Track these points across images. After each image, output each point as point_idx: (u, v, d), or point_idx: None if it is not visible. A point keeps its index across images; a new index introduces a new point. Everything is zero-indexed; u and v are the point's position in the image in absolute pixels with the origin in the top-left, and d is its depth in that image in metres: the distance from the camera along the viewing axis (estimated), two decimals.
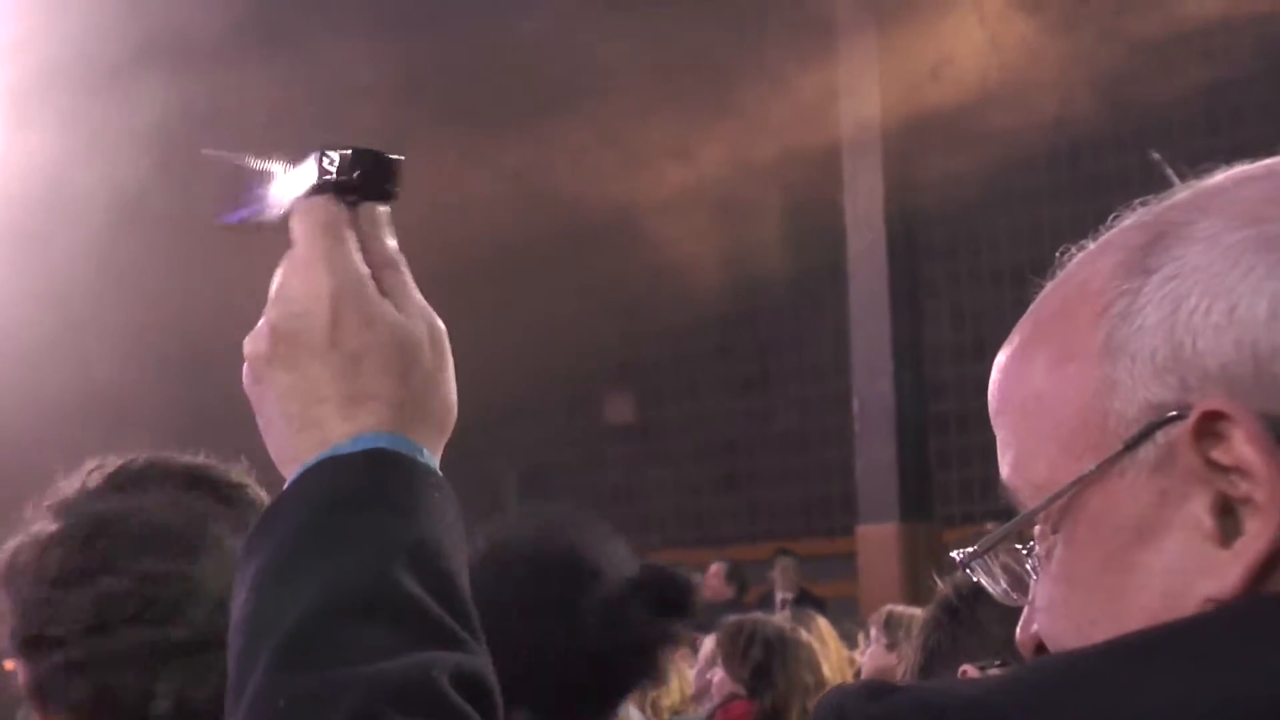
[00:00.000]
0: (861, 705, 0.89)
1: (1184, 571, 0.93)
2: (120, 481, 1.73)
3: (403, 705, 1.04)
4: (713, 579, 11.26)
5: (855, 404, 13.72)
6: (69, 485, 1.75)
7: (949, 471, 13.20)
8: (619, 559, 1.94)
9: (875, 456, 13.50)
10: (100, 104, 11.69)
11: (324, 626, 1.08)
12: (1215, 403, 0.93)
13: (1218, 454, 0.93)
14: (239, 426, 1.38)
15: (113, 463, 1.77)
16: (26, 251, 12.32)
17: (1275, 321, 0.93)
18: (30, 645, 1.68)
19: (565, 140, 12.72)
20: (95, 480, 1.74)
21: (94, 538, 1.67)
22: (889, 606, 6.45)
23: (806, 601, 10.95)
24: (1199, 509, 0.93)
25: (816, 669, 5.13)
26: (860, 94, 13.59)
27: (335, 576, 1.10)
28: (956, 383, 13.09)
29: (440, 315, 1.22)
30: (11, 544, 1.74)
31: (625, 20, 12.72)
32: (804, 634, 5.26)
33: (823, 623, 5.71)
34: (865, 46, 13.53)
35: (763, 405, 14.44)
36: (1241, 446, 0.92)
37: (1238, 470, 0.92)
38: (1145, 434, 0.95)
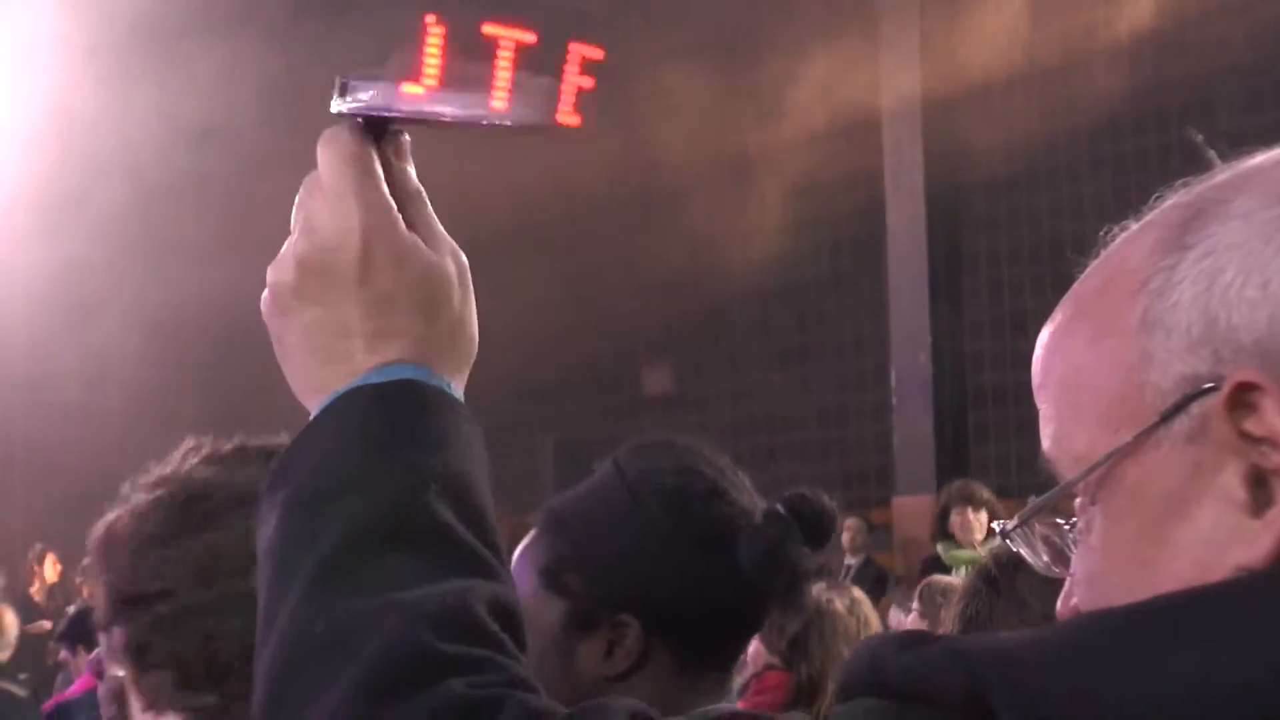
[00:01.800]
0: (894, 654, 0.91)
1: (1216, 541, 0.94)
2: (212, 458, 1.76)
3: (441, 630, 1.04)
4: None
5: (893, 377, 13.70)
6: (164, 465, 1.78)
7: (986, 445, 13.16)
8: (748, 490, 1.91)
9: (912, 429, 13.49)
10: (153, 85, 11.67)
11: (360, 552, 1.08)
12: (1248, 374, 0.94)
13: (1250, 425, 0.94)
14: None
15: (205, 444, 1.79)
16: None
17: None
18: (131, 603, 1.69)
19: (605, 114, 12.69)
20: (191, 459, 1.77)
21: (195, 499, 1.70)
22: (930, 578, 6.45)
23: (871, 567, 10.95)
24: (1231, 480, 0.94)
25: (853, 640, 5.11)
26: (902, 66, 13.53)
27: (370, 504, 1.09)
28: (994, 356, 13.04)
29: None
30: (109, 516, 1.77)
31: None
32: (839, 605, 5.25)
33: (858, 593, 5.69)
34: (908, 18, 13.47)
35: (801, 378, 14.41)
36: (1274, 418, 0.93)
37: (1270, 441, 0.93)
38: (1180, 406, 0.96)
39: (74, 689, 6.03)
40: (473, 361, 1.19)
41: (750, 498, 1.90)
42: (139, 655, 1.69)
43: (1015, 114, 12.07)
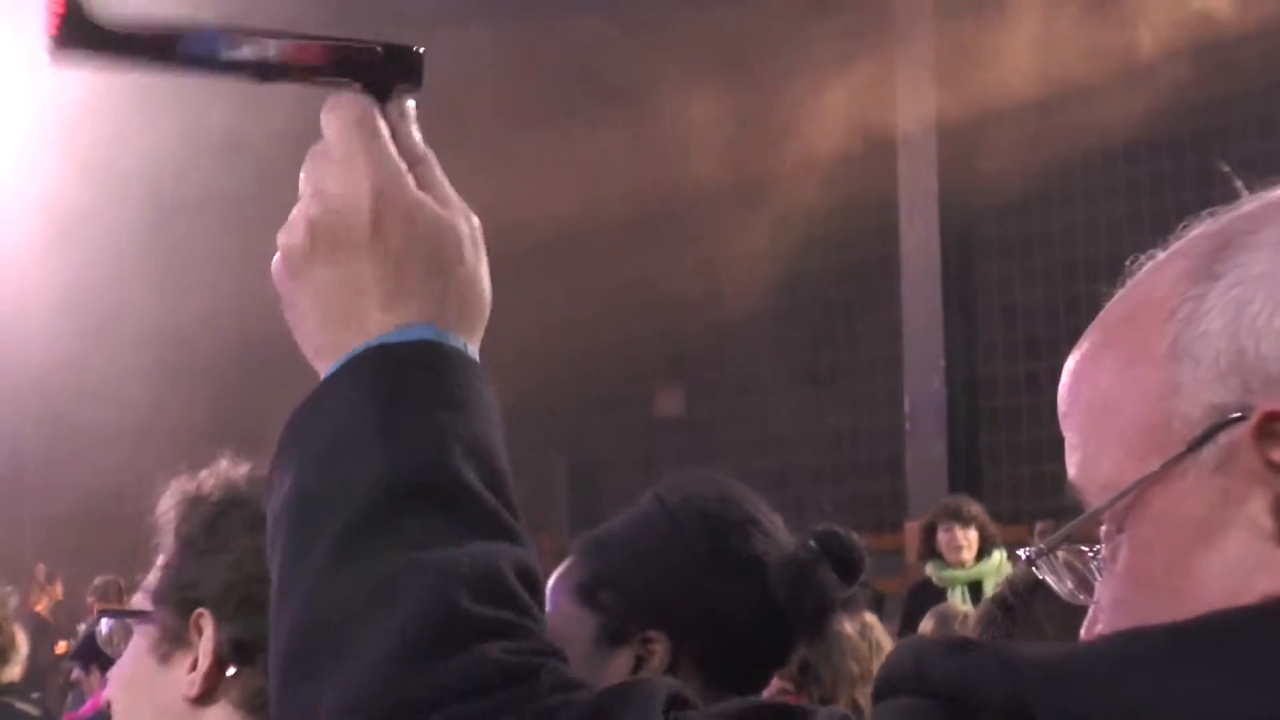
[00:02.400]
0: (940, 657, 0.91)
1: (1243, 570, 0.95)
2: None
3: (474, 593, 1.03)
4: None
5: (906, 401, 13.71)
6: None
7: (999, 468, 13.17)
8: (781, 527, 1.96)
9: (926, 453, 13.50)
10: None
11: (386, 511, 1.06)
12: (1276, 404, 0.95)
13: (1278, 455, 0.94)
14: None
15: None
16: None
17: None
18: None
19: (619, 135, 12.74)
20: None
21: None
22: (942, 605, 6.42)
23: (867, 592, 10.83)
24: (1259, 509, 0.95)
25: (861, 658, 5.11)
26: (916, 90, 13.58)
27: (394, 464, 1.08)
28: (1008, 380, 13.05)
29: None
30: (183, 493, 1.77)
31: (683, 16, 12.74)
32: (850, 628, 5.25)
33: (870, 617, 5.67)
34: (922, 42, 13.53)
35: (813, 401, 14.42)
36: None
37: None
38: (1208, 435, 0.97)
39: (86, 708, 6.03)
40: (485, 321, 1.18)
41: (783, 533, 1.95)
42: (244, 652, 1.68)
43: (1029, 138, 12.09)
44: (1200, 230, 1.04)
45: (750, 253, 13.30)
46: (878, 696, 0.94)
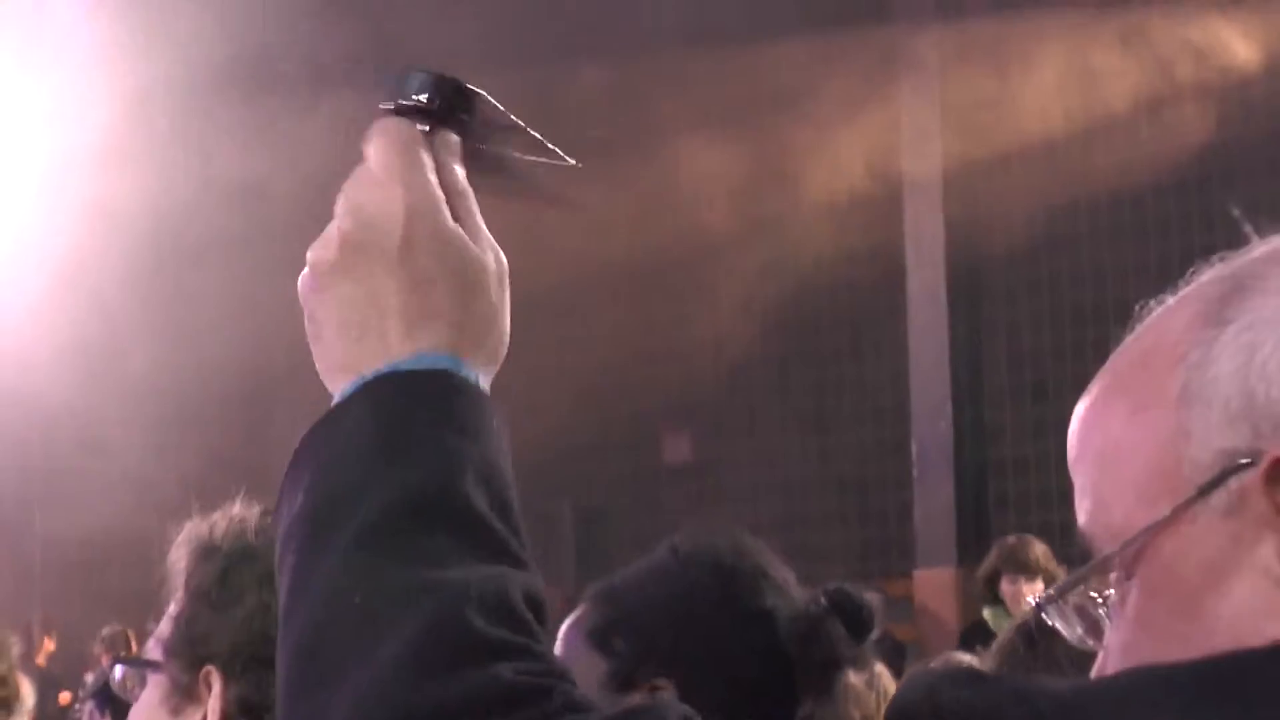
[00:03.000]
0: (955, 689, 0.91)
1: (1253, 614, 0.95)
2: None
3: (485, 614, 1.03)
4: None
5: (914, 447, 13.70)
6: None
7: (1007, 515, 13.13)
8: (793, 582, 1.98)
9: (933, 500, 13.48)
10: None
11: (397, 529, 1.07)
12: None
13: None
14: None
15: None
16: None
17: None
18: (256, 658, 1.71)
19: (627, 183, 12.77)
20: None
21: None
22: (949, 654, 6.37)
23: (887, 642, 10.82)
24: (1269, 554, 0.95)
25: (863, 703, 5.06)
26: (922, 136, 13.61)
27: (404, 485, 1.08)
28: (1016, 426, 13.03)
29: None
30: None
31: (691, 65, 12.79)
32: (857, 680, 5.19)
33: (879, 667, 5.60)
34: (928, 89, 13.55)
35: (821, 447, 14.42)
36: None
37: None
38: (1218, 480, 0.97)
39: None
40: (501, 358, 1.19)
41: (794, 588, 1.97)
42: (252, 711, 1.68)
43: (1036, 184, 12.12)
44: (1210, 275, 1.04)
45: (758, 299, 13.32)
46: None
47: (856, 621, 1.94)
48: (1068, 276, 12.88)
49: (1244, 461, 0.96)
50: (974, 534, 12.83)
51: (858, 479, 14.18)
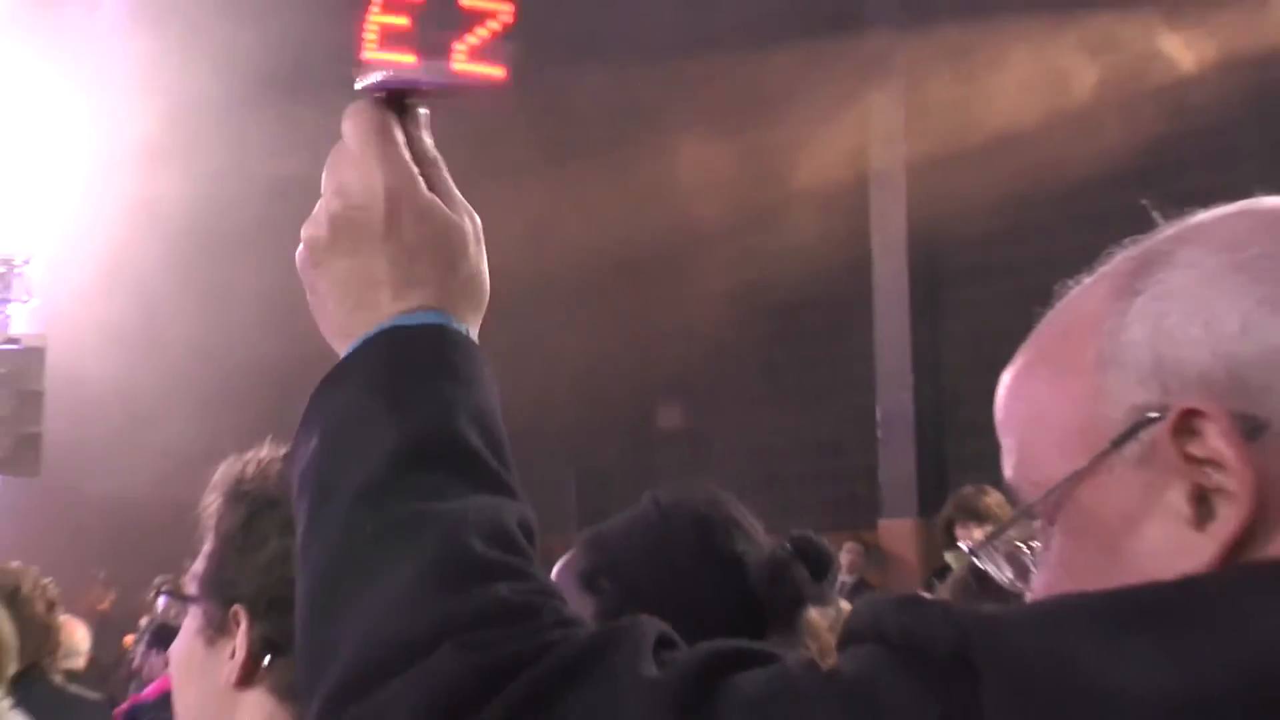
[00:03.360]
0: (894, 614, 0.90)
1: (1165, 553, 0.94)
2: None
3: (482, 538, 1.03)
4: None
5: (879, 414, 13.70)
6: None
7: (963, 474, 13.12)
8: (761, 532, 1.96)
9: (897, 460, 13.50)
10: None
11: (402, 469, 1.06)
12: (1192, 403, 0.95)
13: (1194, 448, 0.95)
14: None
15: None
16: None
17: (1246, 334, 0.95)
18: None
19: (624, 180, 12.73)
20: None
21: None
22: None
23: (863, 588, 10.91)
24: (1177, 498, 0.95)
25: (822, 638, 5.03)
26: (888, 134, 13.57)
27: (408, 429, 1.07)
28: (970, 395, 13.01)
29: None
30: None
31: (682, 69, 12.72)
32: (821, 620, 5.18)
33: (845, 605, 5.61)
34: (894, 91, 13.51)
35: (797, 416, 14.42)
36: (1215, 441, 0.94)
37: (1211, 462, 0.94)
38: (1130, 433, 0.97)
39: (149, 691, 5.96)
40: (484, 308, 1.18)
41: (762, 536, 1.95)
42: (277, 647, 1.69)
43: (992, 177, 12.07)
44: (1122, 255, 1.04)
45: (740, 284, 13.30)
46: (841, 645, 0.93)
47: (817, 564, 1.92)
48: (1020, 261, 12.85)
49: (1153, 416, 0.96)
50: (933, 489, 12.85)
51: (830, 443, 14.17)
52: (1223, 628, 0.86)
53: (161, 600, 3.80)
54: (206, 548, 1.79)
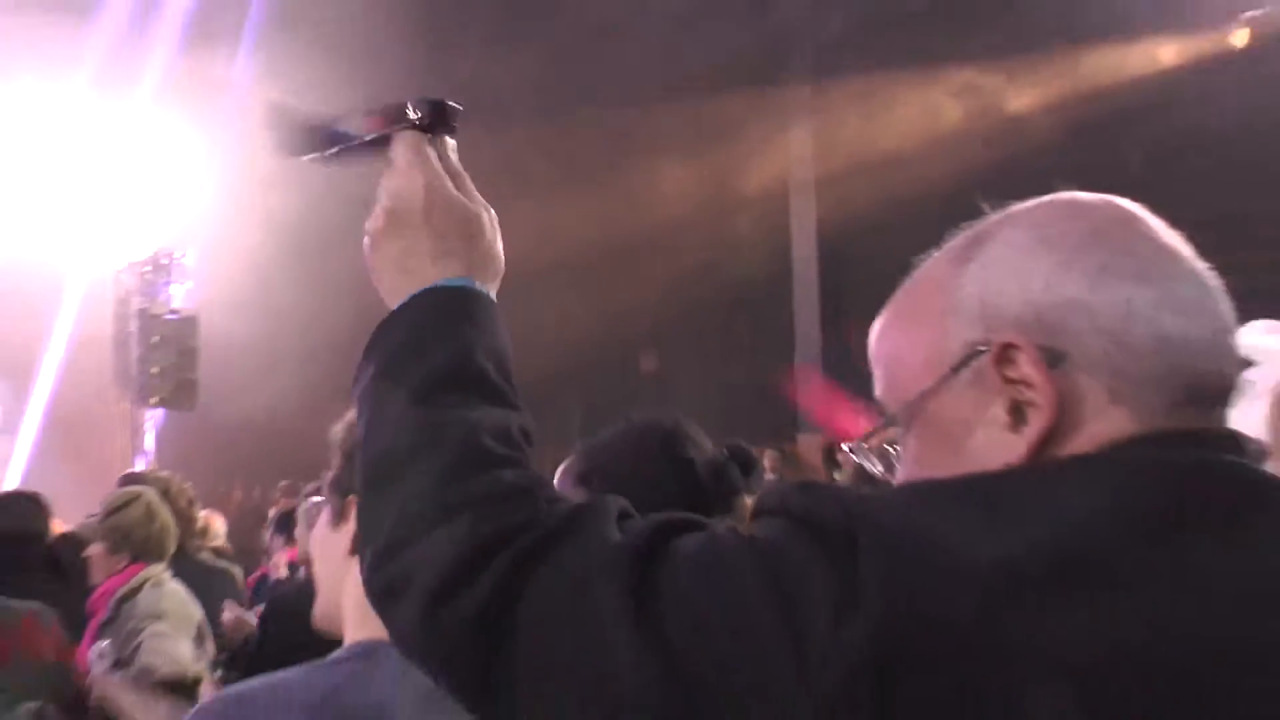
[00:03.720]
0: (797, 495, 0.89)
1: (991, 450, 0.94)
2: None
3: (492, 438, 1.01)
4: None
5: (796, 362, 13.71)
6: None
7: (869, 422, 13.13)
8: (709, 445, 1.94)
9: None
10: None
11: (435, 388, 1.04)
12: (1010, 338, 0.94)
13: (1010, 372, 0.94)
14: None
15: None
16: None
17: (1047, 289, 0.94)
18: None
19: (614, 190, 12.68)
20: None
21: None
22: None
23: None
24: (999, 409, 0.94)
25: (748, 518, 5.02)
26: (802, 157, 13.53)
27: (438, 360, 1.06)
28: (862, 346, 13.00)
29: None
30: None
31: (653, 107, 12.65)
32: (749, 501, 5.17)
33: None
34: (806, 124, 13.46)
35: (739, 363, 14.44)
36: (1026, 367, 0.93)
37: (1024, 383, 0.93)
38: (965, 361, 0.96)
39: (271, 565, 5.96)
40: (500, 277, 1.16)
41: (708, 445, 1.93)
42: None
43: (882, 190, 12.05)
44: (959, 236, 1.03)
45: (698, 265, 13.27)
46: (754, 516, 0.92)
47: (746, 465, 1.89)
48: (905, 251, 12.79)
49: (981, 349, 0.95)
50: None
51: (763, 380, 14.22)
52: (1025, 507, 0.85)
53: (307, 503, 3.75)
54: (334, 464, 1.81)
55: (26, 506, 4.43)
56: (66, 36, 11.84)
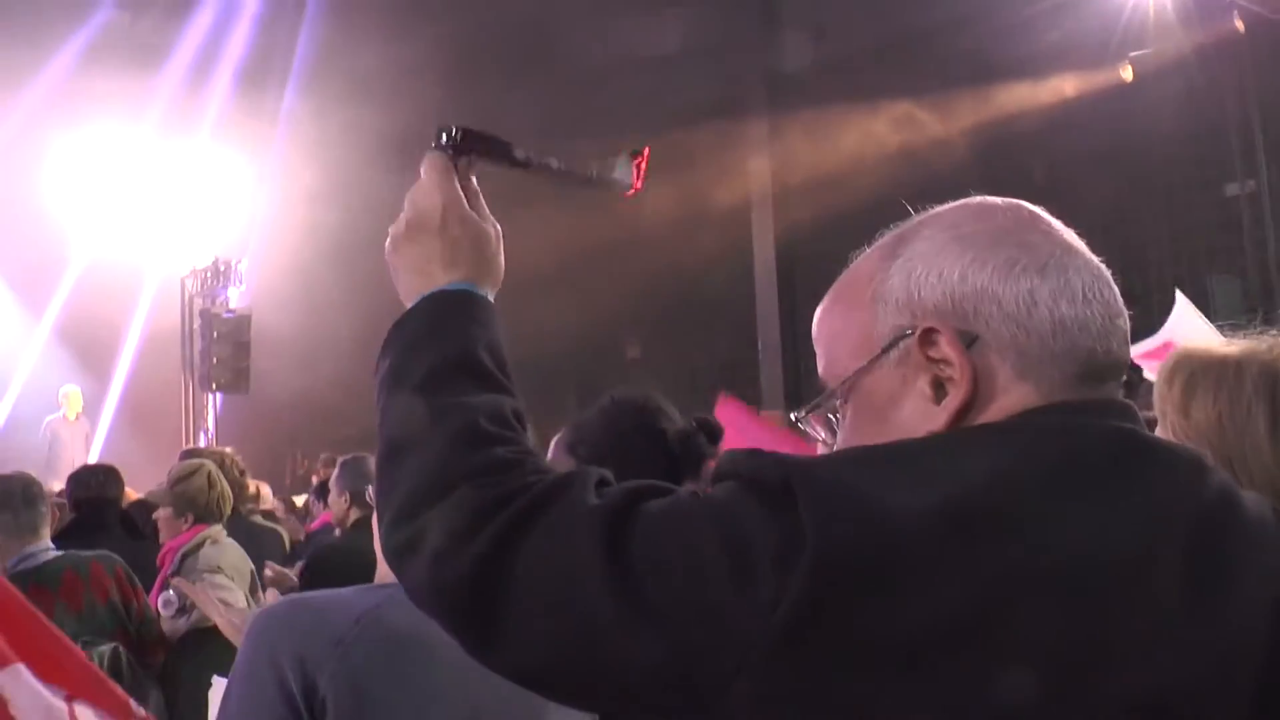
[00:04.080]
0: (745, 460, 0.89)
1: (916, 419, 0.94)
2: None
3: (490, 420, 1.01)
4: None
5: (760, 349, 13.73)
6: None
7: (810, 380, 13.11)
8: (678, 415, 1.93)
9: (771, 376, 13.52)
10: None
11: (441, 376, 1.03)
12: (931, 323, 0.94)
13: (933, 352, 0.94)
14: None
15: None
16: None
17: (963, 280, 0.94)
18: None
19: (603, 206, 12.62)
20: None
21: None
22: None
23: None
24: (923, 385, 0.94)
25: None
26: (762, 178, 13.53)
27: (444, 353, 1.04)
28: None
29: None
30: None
31: (633, 139, 12.62)
32: (711, 464, 5.15)
33: None
34: (765, 151, 13.46)
35: (708, 350, 14.46)
36: (946, 348, 0.93)
37: (944, 361, 0.93)
38: (893, 343, 0.95)
39: (314, 524, 5.97)
40: (500, 284, 1.15)
41: (678, 417, 1.90)
42: None
43: (832, 205, 12.04)
44: (888, 234, 1.03)
45: (674, 270, 13.26)
46: (712, 482, 0.91)
47: (712, 435, 1.88)
48: (844, 253, 12.81)
49: (907, 332, 0.94)
50: (794, 392, 12.92)
51: (729, 364, 14.23)
52: (942, 467, 0.85)
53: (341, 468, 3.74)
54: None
55: (105, 477, 4.55)
56: (140, 86, 11.99)
